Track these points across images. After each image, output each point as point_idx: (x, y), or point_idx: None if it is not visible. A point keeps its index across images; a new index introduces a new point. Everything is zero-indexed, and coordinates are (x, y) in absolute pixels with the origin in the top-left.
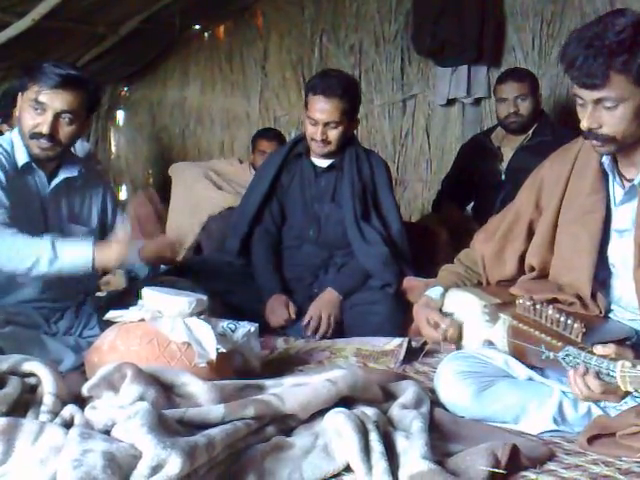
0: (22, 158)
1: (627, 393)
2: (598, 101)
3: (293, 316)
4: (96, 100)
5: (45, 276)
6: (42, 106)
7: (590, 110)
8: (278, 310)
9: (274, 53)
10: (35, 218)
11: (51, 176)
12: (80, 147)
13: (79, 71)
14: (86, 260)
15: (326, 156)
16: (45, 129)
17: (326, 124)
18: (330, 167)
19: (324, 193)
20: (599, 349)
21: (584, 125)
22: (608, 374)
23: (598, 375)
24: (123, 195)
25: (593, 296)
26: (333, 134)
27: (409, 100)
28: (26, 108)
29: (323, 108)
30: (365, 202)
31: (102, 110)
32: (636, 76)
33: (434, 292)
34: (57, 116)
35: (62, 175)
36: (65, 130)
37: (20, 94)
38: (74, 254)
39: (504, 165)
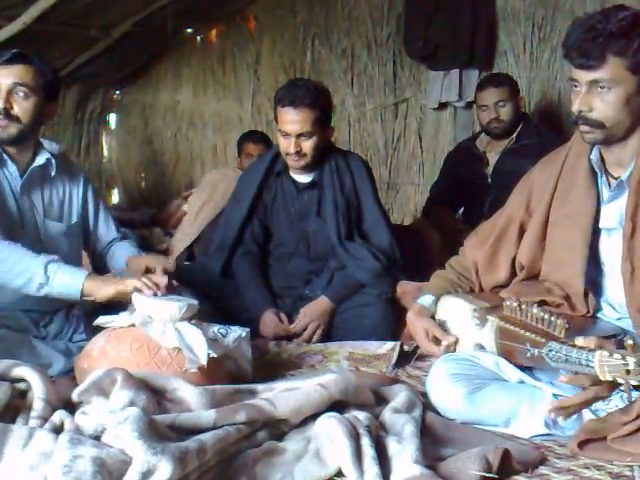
0: None
1: (612, 385)
2: (592, 83)
3: (287, 327)
4: (53, 82)
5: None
6: None
7: (583, 93)
8: (271, 324)
9: (266, 57)
10: (11, 213)
11: (24, 171)
12: (49, 148)
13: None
14: (75, 291)
15: (304, 169)
16: (0, 104)
17: (299, 136)
18: (311, 183)
19: (308, 209)
20: (580, 341)
21: (575, 108)
22: (587, 365)
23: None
24: (115, 199)
25: (585, 294)
26: (307, 145)
27: (401, 104)
28: None
29: (293, 119)
30: (349, 220)
31: (94, 113)
32: (631, 62)
33: (426, 300)
34: (10, 91)
35: (34, 165)
36: (22, 105)
37: None
38: (65, 282)
39: (490, 169)
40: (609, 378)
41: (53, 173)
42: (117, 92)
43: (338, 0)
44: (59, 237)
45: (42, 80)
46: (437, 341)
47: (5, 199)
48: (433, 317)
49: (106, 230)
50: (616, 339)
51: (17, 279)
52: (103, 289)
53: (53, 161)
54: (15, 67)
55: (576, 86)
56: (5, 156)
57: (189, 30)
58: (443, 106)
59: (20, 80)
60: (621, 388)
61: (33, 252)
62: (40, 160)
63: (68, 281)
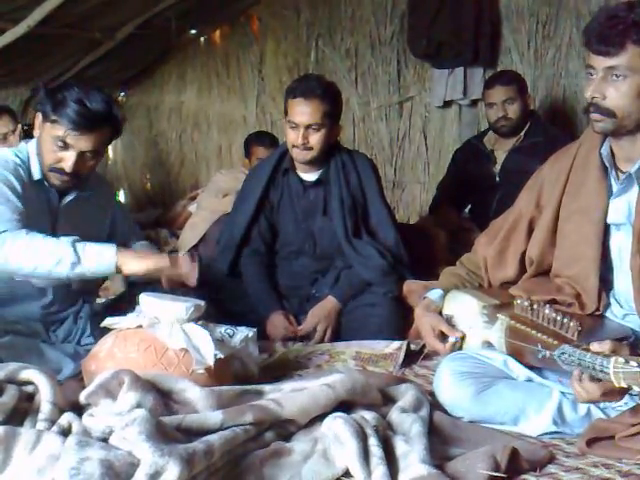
0: (35, 174)
1: (624, 390)
2: (608, 70)
3: (295, 329)
4: (120, 127)
5: (61, 280)
6: (66, 145)
7: (597, 80)
8: (280, 326)
9: (270, 57)
10: (45, 231)
11: (62, 192)
12: None
13: (103, 104)
14: (109, 265)
15: (310, 165)
16: (68, 168)
17: (307, 127)
18: (317, 181)
19: (314, 207)
20: (595, 346)
21: (588, 94)
22: (602, 370)
23: (593, 377)
24: (121, 200)
25: (598, 289)
26: (315, 138)
27: (406, 102)
28: (49, 141)
29: (304, 110)
30: (356, 217)
31: None
32: None
33: (434, 294)
34: (81, 154)
35: (74, 194)
36: (88, 164)
37: (40, 118)
38: (97, 258)
39: (498, 167)
40: (624, 385)
41: (91, 200)
42: (122, 94)
43: (341, 0)
44: None
45: (112, 134)
46: (443, 337)
47: (42, 218)
48: (440, 312)
49: (130, 237)
50: (628, 342)
51: (44, 264)
52: (133, 263)
53: (94, 191)
54: (94, 134)
55: (591, 74)
56: (46, 183)
57: (193, 32)
58: (448, 104)
59: (95, 147)
60: (633, 393)
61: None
62: (86, 193)
63: (100, 256)
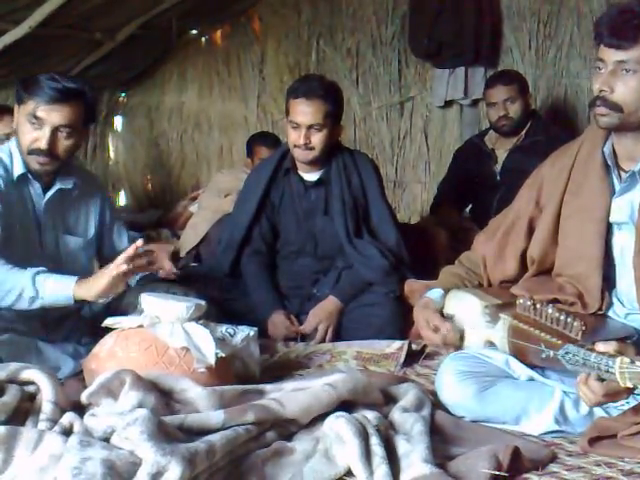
0: (18, 169)
1: (630, 390)
2: (618, 64)
3: (297, 329)
4: (94, 110)
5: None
6: (39, 121)
7: (607, 73)
8: (281, 326)
9: (271, 57)
10: (30, 230)
11: (47, 187)
12: None
13: (76, 83)
14: (67, 297)
15: (312, 165)
16: (43, 144)
17: (309, 127)
18: (319, 181)
19: (316, 207)
20: (600, 346)
21: (596, 87)
22: (607, 370)
23: (600, 377)
24: (122, 201)
25: (601, 290)
26: (316, 138)
27: (407, 102)
28: (23, 122)
29: (305, 111)
30: (357, 217)
31: (100, 116)
32: None
33: (434, 294)
34: (55, 131)
35: (57, 186)
36: (64, 144)
37: (17, 106)
38: (55, 291)
39: (498, 166)
40: (630, 385)
41: (75, 194)
42: (122, 94)
43: None
44: (77, 251)
45: (85, 113)
46: (438, 330)
47: (26, 216)
48: (441, 312)
49: (120, 241)
50: (632, 341)
51: (7, 297)
52: (95, 285)
53: (78, 183)
54: (64, 108)
55: (600, 67)
56: (29, 175)
57: (194, 31)
58: (449, 104)
59: (67, 122)
60: (637, 393)
61: (19, 267)
62: (67, 184)
63: (58, 289)
